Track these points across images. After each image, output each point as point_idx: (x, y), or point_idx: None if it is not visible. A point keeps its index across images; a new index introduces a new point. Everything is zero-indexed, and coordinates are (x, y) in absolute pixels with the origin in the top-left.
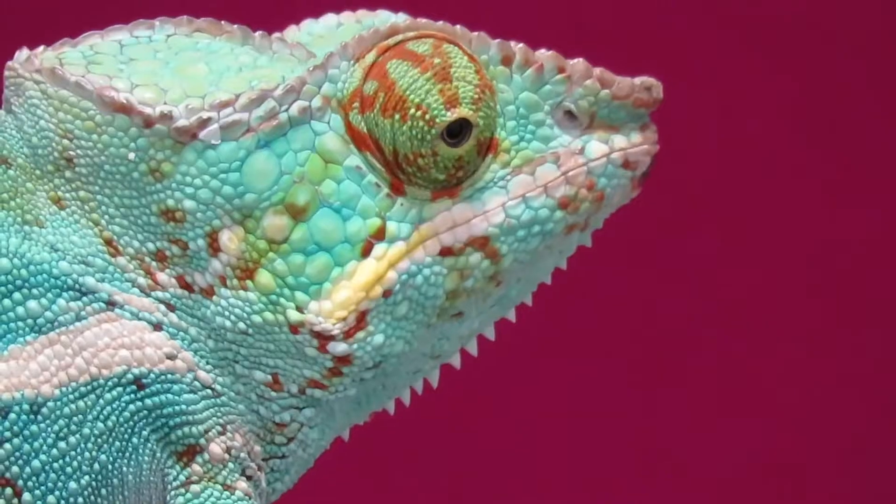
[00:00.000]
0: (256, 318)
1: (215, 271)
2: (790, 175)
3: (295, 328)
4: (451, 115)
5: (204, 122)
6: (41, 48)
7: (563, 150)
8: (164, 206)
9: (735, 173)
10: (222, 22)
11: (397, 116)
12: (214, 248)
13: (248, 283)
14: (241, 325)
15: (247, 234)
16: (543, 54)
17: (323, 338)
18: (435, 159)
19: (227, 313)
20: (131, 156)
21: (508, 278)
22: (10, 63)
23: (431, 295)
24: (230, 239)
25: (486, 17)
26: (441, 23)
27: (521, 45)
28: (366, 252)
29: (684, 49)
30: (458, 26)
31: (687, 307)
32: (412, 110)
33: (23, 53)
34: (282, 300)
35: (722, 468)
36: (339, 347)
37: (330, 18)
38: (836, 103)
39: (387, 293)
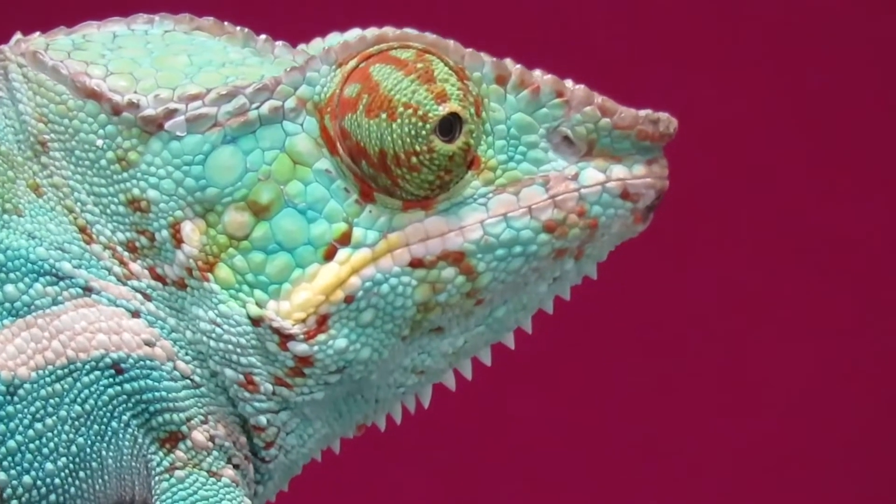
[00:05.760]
0: (223, 308)
1: (181, 263)
2: (790, 175)
3: (256, 322)
4: (444, 110)
5: (171, 113)
6: (36, 34)
7: (555, 174)
8: (130, 195)
9: (736, 174)
10: (225, 23)
11: (384, 116)
12: (178, 239)
13: (210, 275)
14: (211, 314)
15: (208, 227)
16: (543, 77)
17: (283, 335)
18: (431, 156)
19: (199, 303)
20: (99, 142)
21: (490, 297)
22: (0, 47)
23: (400, 305)
24: (192, 231)
25: (519, 39)
26: (434, 37)
27: (520, 65)
28: (329, 256)
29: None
30: (451, 41)
31: (687, 308)
32: (400, 108)
33: (14, 38)
34: (241, 295)
35: (724, 469)
36: (300, 347)
37: (355, 33)
38: (836, 103)
39: (349, 298)
